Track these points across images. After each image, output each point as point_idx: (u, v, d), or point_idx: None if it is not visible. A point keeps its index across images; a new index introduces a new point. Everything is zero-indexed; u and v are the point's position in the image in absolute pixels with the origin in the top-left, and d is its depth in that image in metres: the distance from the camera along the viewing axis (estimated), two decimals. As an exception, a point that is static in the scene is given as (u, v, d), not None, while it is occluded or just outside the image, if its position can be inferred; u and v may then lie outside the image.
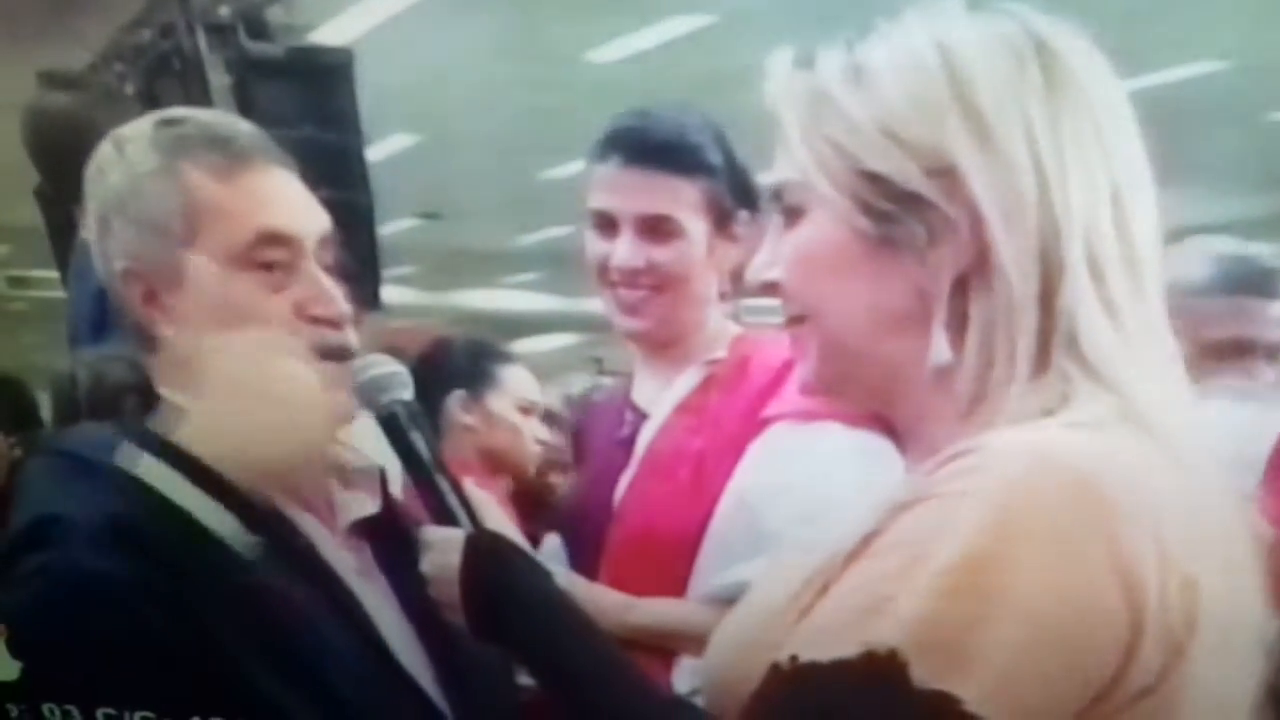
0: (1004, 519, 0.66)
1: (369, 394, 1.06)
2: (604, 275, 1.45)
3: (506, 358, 2.29)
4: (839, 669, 0.66)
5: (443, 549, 1.01)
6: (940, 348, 0.75)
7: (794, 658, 0.68)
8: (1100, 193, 0.75)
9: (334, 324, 1.07)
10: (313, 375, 0.92)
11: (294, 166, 1.12)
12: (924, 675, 0.65)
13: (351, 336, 1.09)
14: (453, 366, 2.17)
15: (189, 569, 0.84)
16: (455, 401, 2.14)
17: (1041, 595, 0.65)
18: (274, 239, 1.05)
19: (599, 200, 1.45)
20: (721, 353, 1.47)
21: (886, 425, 0.84)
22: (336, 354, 1.07)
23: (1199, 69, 6.52)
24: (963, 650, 0.65)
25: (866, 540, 0.72)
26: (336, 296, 1.07)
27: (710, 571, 1.34)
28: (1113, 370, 0.74)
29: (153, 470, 0.84)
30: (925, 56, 0.76)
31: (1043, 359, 0.74)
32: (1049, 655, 0.65)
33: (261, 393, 0.90)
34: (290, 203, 1.09)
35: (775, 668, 0.69)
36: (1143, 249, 0.77)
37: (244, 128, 1.14)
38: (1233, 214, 8.80)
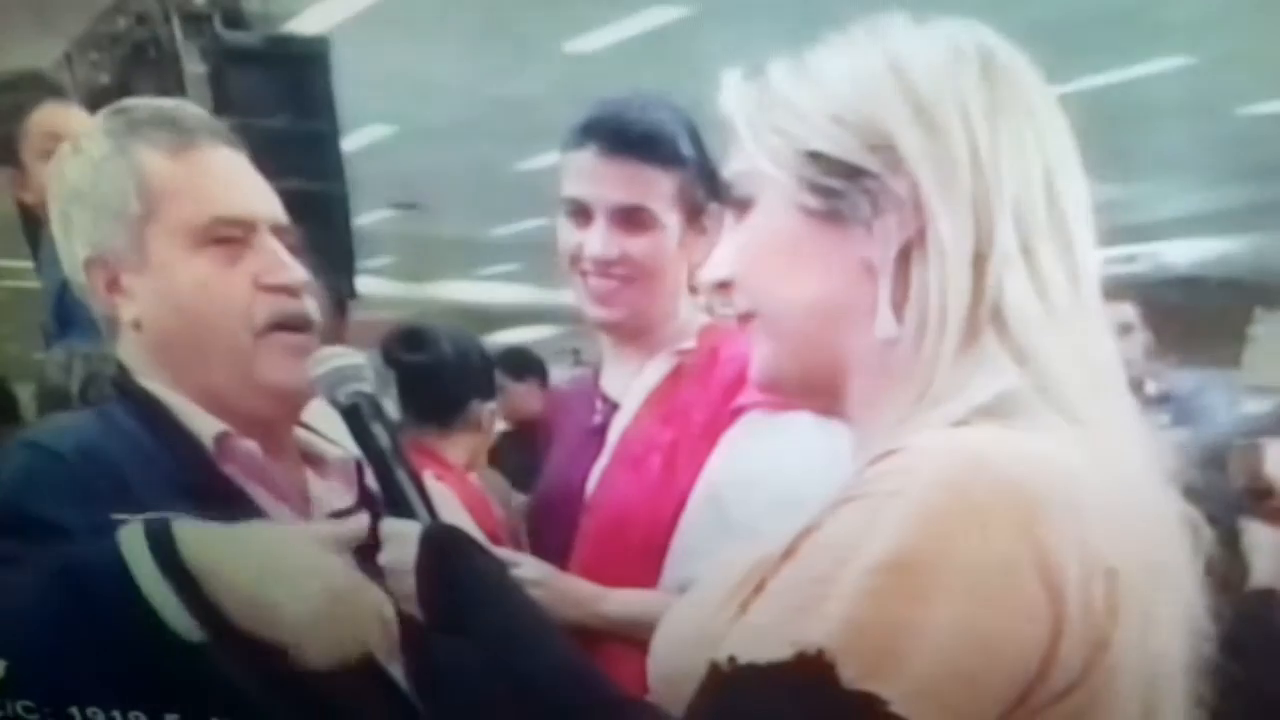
0: (929, 520, 0.67)
1: (330, 385, 1.07)
2: (576, 264, 1.45)
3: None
4: (774, 671, 0.67)
5: (399, 541, 1.01)
6: (885, 320, 0.77)
7: (732, 659, 0.69)
8: (1033, 172, 0.78)
9: (291, 292, 1.08)
10: (343, 574, 0.91)
11: (243, 147, 1.14)
12: (852, 676, 0.65)
13: (311, 305, 1.10)
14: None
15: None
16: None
17: (966, 596, 0.66)
18: (230, 223, 1.07)
19: (574, 188, 1.44)
20: (690, 343, 1.48)
21: (838, 416, 0.85)
22: (295, 322, 1.08)
23: (1169, 64, 6.56)
24: (889, 651, 0.66)
25: (800, 538, 0.73)
26: (293, 265, 1.09)
27: (682, 562, 1.35)
28: (1034, 340, 0.76)
29: (140, 561, 0.86)
30: (871, 55, 0.80)
31: (971, 332, 0.76)
32: (973, 655, 0.66)
33: (288, 589, 0.88)
34: (242, 185, 1.10)
35: (715, 668, 0.70)
36: (1076, 236, 0.79)
37: (190, 109, 1.16)
38: (1203, 207, 8.88)
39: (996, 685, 0.67)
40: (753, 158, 0.82)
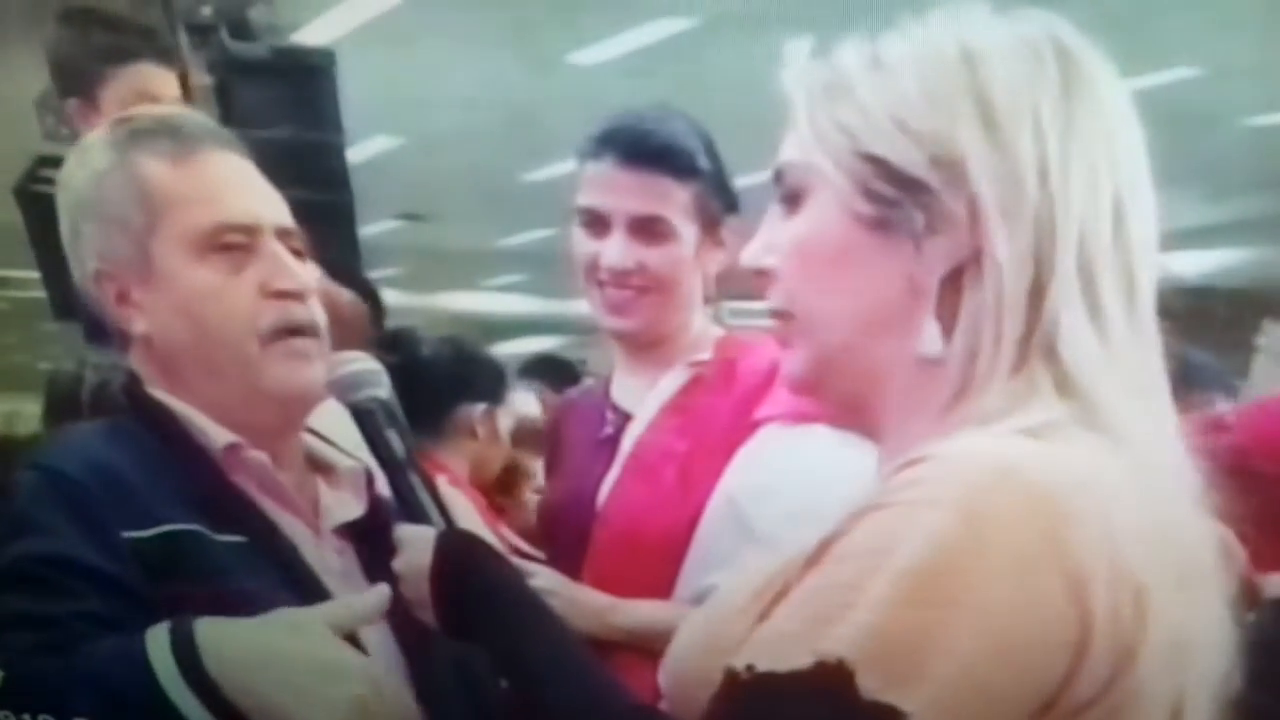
0: (955, 529, 0.66)
1: (346, 390, 1.07)
2: (592, 274, 1.45)
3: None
4: (793, 679, 0.66)
5: (414, 547, 1.01)
6: (931, 338, 0.75)
7: (751, 666, 0.68)
8: (1102, 199, 0.75)
9: (298, 297, 1.07)
10: (347, 661, 0.89)
11: (248, 153, 1.13)
12: (871, 686, 0.64)
13: (317, 310, 1.09)
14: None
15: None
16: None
17: (991, 608, 0.65)
18: (234, 229, 1.07)
19: (591, 198, 1.45)
20: (706, 354, 1.48)
21: (866, 428, 0.84)
22: (302, 328, 1.07)
23: (1176, 75, 6.56)
24: (910, 662, 0.65)
25: (825, 545, 0.71)
26: (299, 270, 1.08)
27: (697, 573, 1.35)
28: (1087, 377, 0.73)
29: (167, 673, 0.86)
30: (946, 52, 0.76)
31: (1021, 358, 0.74)
32: (997, 668, 0.65)
33: (288, 680, 0.87)
34: (246, 190, 1.10)
35: (734, 675, 0.69)
36: (1139, 261, 0.77)
37: (193, 116, 1.16)
38: (1211, 218, 8.87)
39: (1019, 696, 0.66)
40: (809, 151, 0.79)
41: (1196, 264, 9.12)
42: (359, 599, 0.96)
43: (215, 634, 0.87)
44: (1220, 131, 7.41)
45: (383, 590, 0.96)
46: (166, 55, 2.26)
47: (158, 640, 0.87)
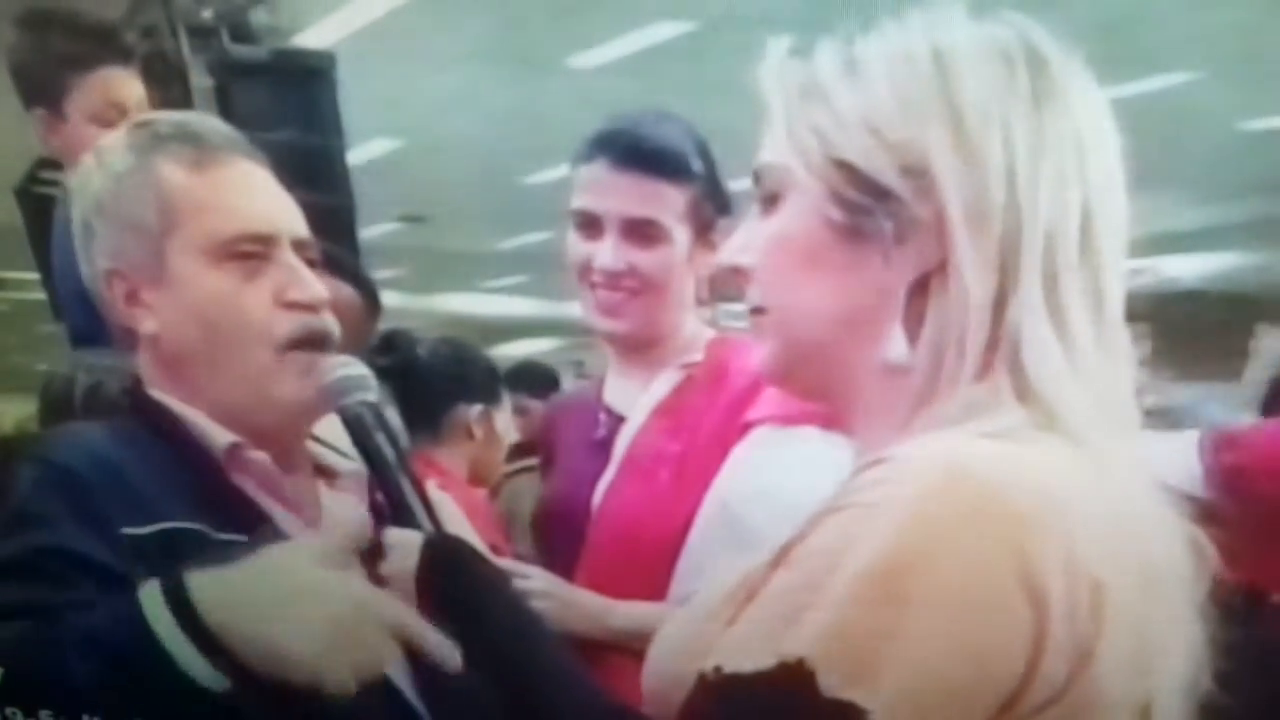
0: (911, 529, 0.67)
1: (335, 394, 1.07)
2: (585, 276, 1.46)
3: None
4: (757, 680, 0.67)
5: (401, 551, 1.02)
6: (897, 345, 0.76)
7: (718, 668, 0.69)
8: (1070, 207, 0.75)
9: (312, 308, 1.08)
10: (344, 597, 0.86)
11: (266, 162, 1.14)
12: (831, 685, 0.65)
13: (331, 321, 1.10)
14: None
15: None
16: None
17: (947, 606, 0.66)
18: (250, 239, 1.07)
19: (584, 200, 1.46)
20: (698, 356, 1.49)
21: (839, 427, 0.84)
22: (316, 339, 1.08)
23: (1171, 80, 6.58)
24: (870, 661, 0.65)
25: (788, 548, 0.72)
26: (313, 281, 1.09)
27: (691, 574, 1.35)
28: (1048, 384, 0.74)
29: (162, 623, 0.84)
30: (919, 57, 0.77)
31: (984, 366, 0.74)
32: (955, 665, 0.66)
33: (302, 614, 0.84)
34: (265, 200, 1.11)
35: (702, 678, 0.70)
36: (1108, 270, 0.77)
37: (214, 124, 1.16)
38: (1206, 221, 8.89)
39: (978, 695, 0.67)
40: (784, 154, 0.79)
41: (1191, 268, 9.13)
42: (341, 525, 0.95)
43: (205, 581, 0.86)
44: (1215, 135, 7.43)
45: (362, 516, 0.94)
46: (127, 56, 2.23)
47: (151, 595, 0.85)
